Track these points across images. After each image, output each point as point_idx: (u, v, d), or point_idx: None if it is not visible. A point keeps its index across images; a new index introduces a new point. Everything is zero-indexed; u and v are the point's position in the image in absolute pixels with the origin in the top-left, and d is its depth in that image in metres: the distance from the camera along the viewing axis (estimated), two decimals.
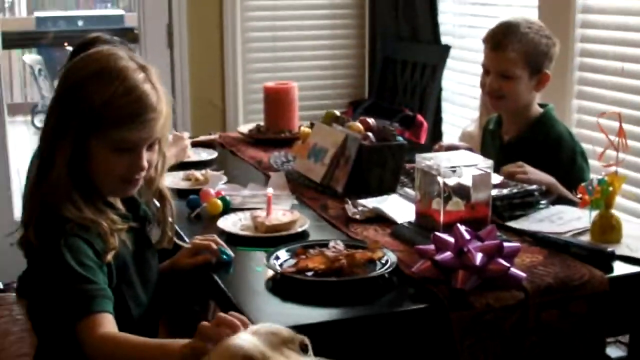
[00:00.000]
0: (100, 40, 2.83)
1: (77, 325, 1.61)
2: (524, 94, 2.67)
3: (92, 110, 1.71)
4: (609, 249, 1.96)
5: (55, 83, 1.90)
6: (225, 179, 2.62)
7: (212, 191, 2.36)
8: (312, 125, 2.86)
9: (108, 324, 1.63)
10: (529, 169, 2.48)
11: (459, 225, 1.85)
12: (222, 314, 1.40)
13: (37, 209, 1.75)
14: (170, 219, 1.98)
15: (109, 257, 1.74)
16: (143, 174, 1.82)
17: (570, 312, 1.82)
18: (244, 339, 1.28)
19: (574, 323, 1.82)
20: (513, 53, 2.62)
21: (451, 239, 1.81)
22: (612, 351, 2.51)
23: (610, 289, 1.85)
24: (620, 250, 1.99)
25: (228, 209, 2.32)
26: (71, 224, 1.70)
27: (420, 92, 4.59)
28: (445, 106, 4.60)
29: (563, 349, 1.83)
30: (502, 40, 2.64)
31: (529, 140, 2.68)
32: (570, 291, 1.82)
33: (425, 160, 2.10)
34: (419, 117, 4.35)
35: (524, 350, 1.78)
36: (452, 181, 2.06)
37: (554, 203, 2.37)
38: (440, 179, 2.04)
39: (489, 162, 2.09)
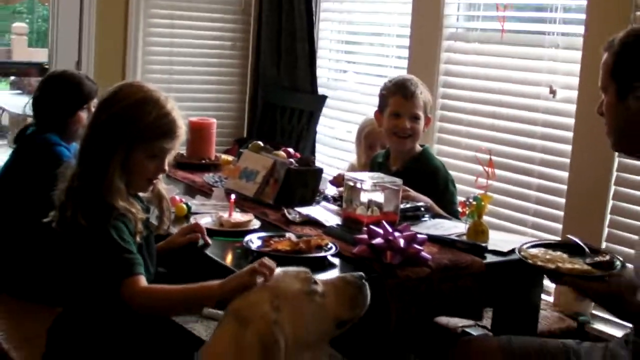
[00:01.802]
0: (68, 73, 3.43)
1: (122, 283, 2.21)
2: (422, 133, 3.47)
3: (141, 129, 2.33)
4: (483, 244, 2.76)
5: None
6: (177, 190, 3.25)
7: (178, 198, 3.00)
8: (239, 154, 3.54)
9: (145, 282, 2.25)
10: (412, 192, 3.24)
11: (384, 222, 2.59)
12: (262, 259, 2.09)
13: (84, 200, 2.31)
14: (167, 212, 2.61)
15: (138, 238, 2.36)
16: (161, 175, 2.46)
17: (460, 286, 2.58)
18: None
19: (463, 293, 2.58)
20: (420, 100, 3.42)
21: (380, 231, 2.54)
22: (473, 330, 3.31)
23: (486, 270, 2.64)
24: (489, 246, 2.79)
25: (190, 211, 2.97)
26: (116, 211, 2.30)
27: (297, 135, 5.35)
28: (318, 147, 5.39)
29: (455, 310, 2.60)
30: (413, 91, 3.43)
31: (413, 170, 3.43)
32: (460, 270, 2.58)
33: (354, 178, 2.84)
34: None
35: (432, 309, 2.54)
36: (371, 195, 2.81)
37: (433, 217, 3.16)
38: (365, 193, 2.78)
39: (399, 181, 2.84)
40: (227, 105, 5.75)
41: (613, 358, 2.37)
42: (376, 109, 3.60)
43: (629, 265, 2.36)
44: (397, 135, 3.46)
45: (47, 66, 5.22)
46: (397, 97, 3.45)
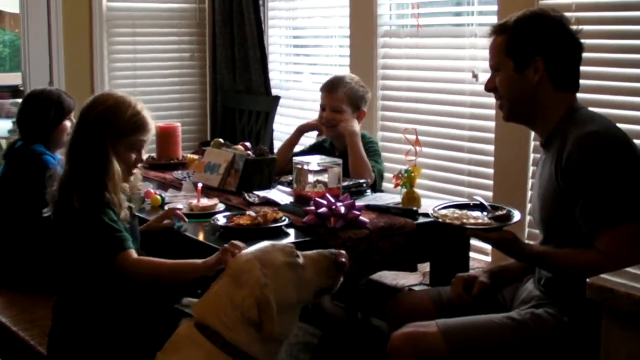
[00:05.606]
0: (47, 91, 3.89)
1: (117, 256, 2.67)
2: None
3: (120, 126, 2.80)
4: (414, 208, 3.25)
5: None
6: (152, 185, 3.71)
7: (152, 191, 3.47)
8: (203, 152, 4.02)
9: (136, 254, 2.72)
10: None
11: (327, 194, 3.08)
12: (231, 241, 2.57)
13: (80, 189, 2.74)
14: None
15: (126, 224, 2.83)
16: (139, 170, 2.93)
17: (395, 243, 3.08)
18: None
19: (397, 249, 3.08)
20: (341, 94, 3.91)
21: (324, 202, 3.03)
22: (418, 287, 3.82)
23: (416, 229, 3.14)
24: (420, 210, 3.28)
25: (164, 201, 3.44)
26: (105, 200, 2.75)
27: (256, 134, 5.83)
28: (276, 144, 5.86)
29: (392, 264, 3.10)
30: (334, 85, 3.94)
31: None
32: (394, 230, 3.08)
33: (301, 161, 3.32)
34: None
35: (372, 264, 3.03)
36: (317, 175, 3.29)
37: (374, 192, 3.65)
38: (311, 174, 3.27)
39: (339, 161, 3.33)
40: (190, 111, 6.22)
41: (522, 290, 2.86)
42: None
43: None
44: (324, 125, 3.99)
45: (22, 88, 5.65)
46: (323, 92, 4.01)
